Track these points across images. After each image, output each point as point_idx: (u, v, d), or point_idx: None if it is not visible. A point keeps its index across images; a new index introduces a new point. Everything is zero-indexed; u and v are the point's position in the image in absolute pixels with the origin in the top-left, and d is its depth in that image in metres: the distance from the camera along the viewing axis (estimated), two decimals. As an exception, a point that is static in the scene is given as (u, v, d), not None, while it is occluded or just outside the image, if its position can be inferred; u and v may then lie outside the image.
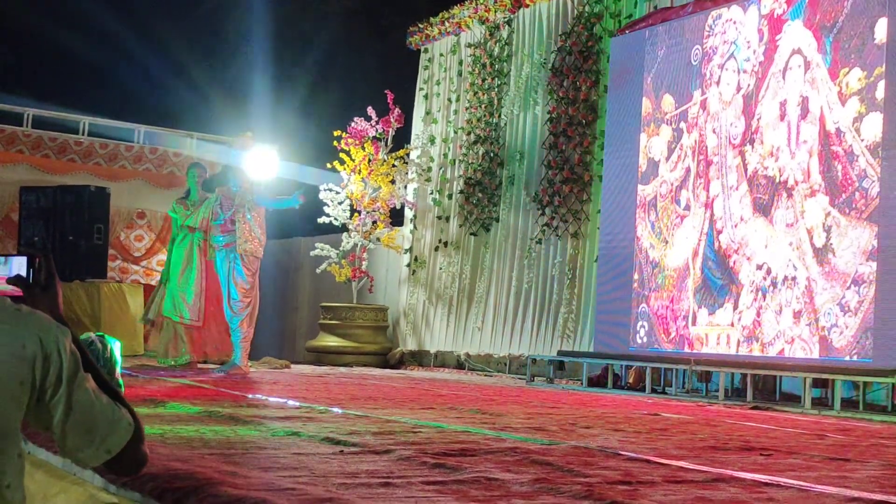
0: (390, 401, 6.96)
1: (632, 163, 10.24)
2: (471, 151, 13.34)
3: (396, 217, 14.37)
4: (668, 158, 9.87)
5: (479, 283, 13.11)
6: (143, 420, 1.92)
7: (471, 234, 13.27)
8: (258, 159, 10.30)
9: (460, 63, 13.92)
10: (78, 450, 1.76)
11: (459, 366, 12.96)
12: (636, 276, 10.01)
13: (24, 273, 1.90)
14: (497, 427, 5.18)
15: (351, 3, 20.34)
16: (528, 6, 12.82)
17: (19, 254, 1.96)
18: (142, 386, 7.38)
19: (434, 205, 13.95)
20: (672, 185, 9.78)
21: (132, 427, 1.80)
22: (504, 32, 13.12)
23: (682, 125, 9.73)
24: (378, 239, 13.86)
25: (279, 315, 15.99)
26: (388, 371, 12.60)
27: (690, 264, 9.46)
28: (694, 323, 9.35)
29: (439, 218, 13.87)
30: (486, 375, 12.03)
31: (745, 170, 9.01)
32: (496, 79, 13.12)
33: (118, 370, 2.93)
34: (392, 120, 13.63)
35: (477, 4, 13.45)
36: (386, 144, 13.69)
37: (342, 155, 13.56)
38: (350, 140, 13.48)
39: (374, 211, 13.58)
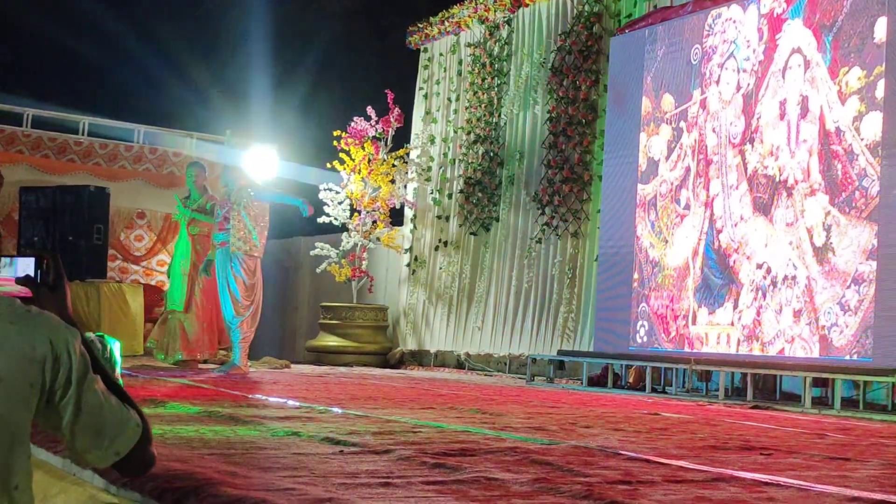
0: (390, 401, 6.96)
1: (632, 162, 10.24)
2: (470, 151, 13.34)
3: (396, 217, 14.37)
4: (667, 158, 9.87)
5: (479, 282, 13.11)
6: (146, 420, 1.92)
7: (471, 233, 13.27)
8: (258, 159, 10.29)
9: (460, 63, 13.92)
10: (87, 451, 1.76)
11: (459, 365, 12.96)
12: (636, 276, 10.01)
13: (32, 273, 1.90)
14: (497, 427, 5.18)
15: (351, 3, 20.34)
16: (527, 6, 12.81)
17: (26, 255, 1.96)
18: (142, 386, 7.37)
19: (434, 204, 13.95)
20: (672, 184, 9.77)
21: (140, 428, 1.80)
22: (504, 32, 13.12)
23: (682, 124, 9.73)
24: (378, 239, 13.86)
25: (279, 315, 15.98)
26: (388, 371, 12.60)
27: (690, 263, 9.46)
28: (694, 322, 9.35)
29: (439, 217, 13.87)
30: (486, 375, 12.03)
31: (745, 169, 9.00)
32: (496, 78, 13.12)
33: (118, 370, 2.93)
34: (392, 119, 13.63)
35: (477, 4, 13.45)
36: (386, 144, 13.69)
37: (342, 155, 13.56)
38: (350, 140, 13.48)
39: (373, 210, 13.58)
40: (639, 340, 9.85)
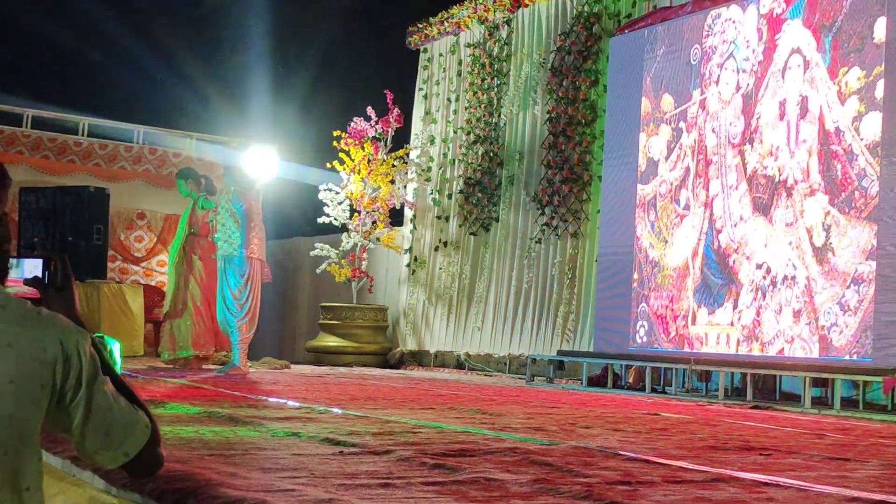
0: (390, 401, 6.96)
1: (631, 162, 10.24)
2: (470, 151, 13.34)
3: (396, 217, 14.37)
4: (667, 158, 9.87)
5: (478, 282, 13.11)
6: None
7: (470, 233, 13.28)
8: (258, 159, 10.29)
9: (460, 63, 13.92)
10: (97, 452, 1.77)
11: (459, 366, 12.96)
12: (636, 276, 10.01)
13: (39, 275, 1.91)
14: (497, 427, 5.18)
15: (351, 3, 20.33)
16: (527, 6, 12.82)
17: (32, 256, 1.96)
18: (141, 387, 7.37)
19: (434, 205, 13.96)
20: (671, 184, 9.78)
21: (149, 429, 1.81)
22: (503, 32, 13.12)
23: (682, 125, 9.73)
24: (378, 239, 13.86)
25: (279, 315, 15.99)
26: (387, 371, 12.60)
27: (690, 264, 9.46)
28: (694, 322, 9.35)
29: (439, 218, 13.87)
30: (485, 375, 12.03)
31: (745, 169, 9.01)
32: (495, 78, 13.12)
33: (117, 371, 2.93)
34: (391, 120, 13.63)
35: (476, 4, 13.45)
36: (385, 144, 13.69)
37: (342, 155, 13.56)
38: (350, 140, 13.48)
39: (373, 211, 13.59)
40: (638, 341, 9.86)
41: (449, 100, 14.05)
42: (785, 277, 8.49)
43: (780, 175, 8.66)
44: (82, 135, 13.75)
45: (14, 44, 19.88)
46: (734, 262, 9.01)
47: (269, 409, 6.00)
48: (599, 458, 3.97)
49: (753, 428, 5.80)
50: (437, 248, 13.82)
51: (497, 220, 12.94)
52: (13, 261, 1.93)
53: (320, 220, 13.76)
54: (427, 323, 13.85)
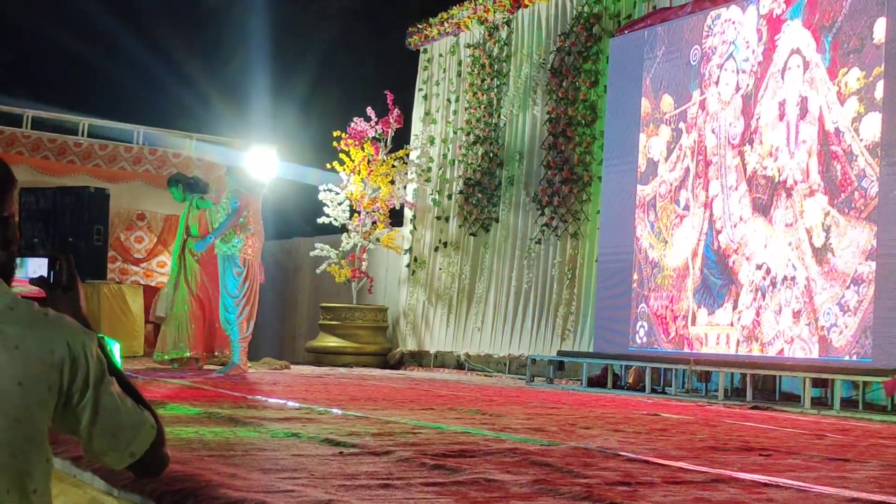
0: (390, 402, 6.97)
1: (631, 163, 10.25)
2: (470, 152, 13.34)
3: (396, 217, 14.37)
4: (667, 158, 9.87)
5: (478, 283, 13.11)
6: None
7: (470, 234, 13.28)
8: (258, 159, 10.31)
9: (459, 63, 13.92)
10: (104, 453, 1.77)
11: (459, 366, 12.96)
12: (636, 276, 10.01)
13: (45, 274, 1.91)
14: (497, 428, 5.18)
15: (351, 3, 20.34)
16: (527, 6, 12.82)
17: (37, 255, 1.96)
18: (141, 387, 7.33)
19: (433, 205, 13.96)
20: (671, 185, 9.78)
21: (155, 430, 1.81)
22: (503, 33, 13.12)
23: (682, 125, 9.73)
24: (378, 239, 13.87)
25: (279, 315, 15.99)
26: (387, 371, 12.60)
27: (690, 264, 9.47)
28: (693, 323, 9.35)
29: (439, 218, 13.87)
30: (485, 376, 12.03)
31: (745, 170, 9.01)
32: (495, 79, 13.12)
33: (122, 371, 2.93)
34: (391, 120, 13.64)
35: (476, 5, 13.45)
36: (385, 145, 13.70)
37: (342, 155, 13.56)
38: (349, 140, 13.49)
39: (373, 211, 13.59)
40: (638, 341, 9.86)
41: (449, 100, 14.05)
42: (785, 278, 8.49)
43: (779, 176, 8.66)
44: (82, 135, 13.75)
45: (14, 44, 19.89)
46: (734, 263, 9.02)
47: (268, 410, 6.00)
48: (599, 459, 3.97)
49: (753, 428, 5.80)
50: (436, 249, 13.82)
51: (497, 220, 12.94)
52: (17, 260, 1.93)
53: (320, 221, 13.77)
54: (427, 323, 13.85)
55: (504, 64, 13.08)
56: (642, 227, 10.05)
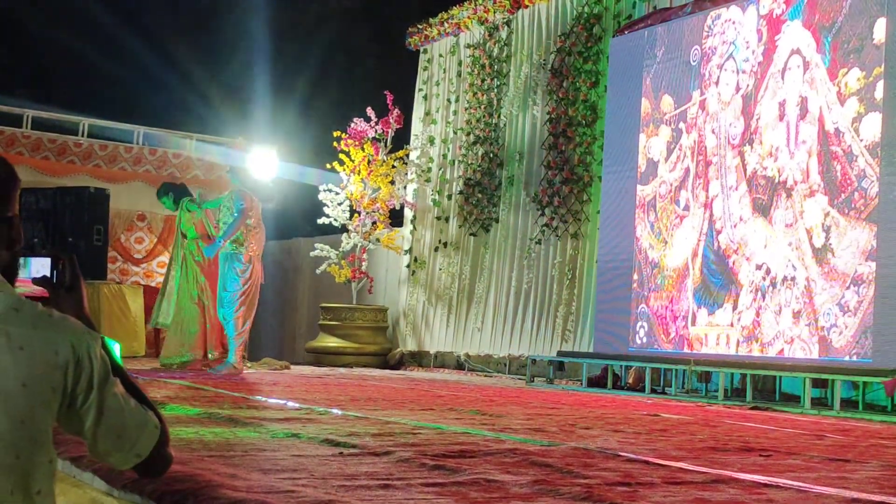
0: (390, 402, 6.97)
1: (631, 163, 10.25)
2: (470, 152, 13.34)
3: (396, 218, 14.38)
4: (667, 159, 9.87)
5: (478, 283, 13.12)
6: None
7: (470, 234, 13.28)
8: (258, 160, 10.33)
9: (459, 64, 13.92)
10: (109, 454, 1.78)
11: (459, 366, 12.96)
12: (636, 277, 10.01)
13: (48, 274, 1.91)
14: (496, 428, 5.18)
15: (351, 3, 20.34)
16: (527, 7, 12.82)
17: (40, 254, 1.96)
18: (141, 388, 7.36)
19: (433, 205, 13.96)
20: (671, 185, 9.78)
21: (158, 430, 1.81)
22: (503, 33, 13.12)
23: (682, 125, 9.73)
24: (378, 240, 13.87)
25: (278, 316, 16.00)
26: (387, 372, 12.60)
27: (690, 264, 9.47)
28: (693, 323, 9.35)
29: (439, 218, 13.88)
30: (485, 376, 12.03)
31: (745, 170, 9.01)
32: (495, 79, 13.12)
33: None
34: (391, 120, 13.64)
35: (476, 5, 13.45)
36: (385, 145, 13.70)
37: (341, 156, 13.57)
38: (349, 141, 13.49)
39: (373, 212, 13.59)
40: (638, 341, 9.86)
41: (449, 100, 14.05)
42: (785, 278, 8.49)
43: (779, 176, 8.66)
44: (82, 135, 13.75)
45: (14, 44, 19.89)
46: (734, 263, 9.02)
47: (268, 410, 6.01)
48: (599, 460, 3.97)
49: (753, 429, 5.80)
50: (436, 249, 13.83)
51: (497, 220, 12.94)
52: (20, 259, 1.94)
53: (320, 221, 13.77)
54: (427, 323, 13.85)
55: (504, 64, 13.08)
56: (642, 227, 10.05)
